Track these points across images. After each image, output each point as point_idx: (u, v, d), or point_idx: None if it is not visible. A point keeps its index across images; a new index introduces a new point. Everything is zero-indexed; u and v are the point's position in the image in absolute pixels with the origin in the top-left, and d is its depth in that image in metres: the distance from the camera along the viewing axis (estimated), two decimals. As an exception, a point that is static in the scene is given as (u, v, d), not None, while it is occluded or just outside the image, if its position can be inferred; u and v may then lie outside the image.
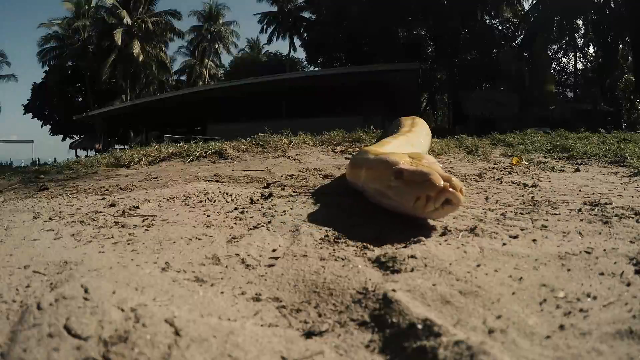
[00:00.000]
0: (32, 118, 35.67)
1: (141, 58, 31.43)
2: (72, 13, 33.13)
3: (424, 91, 28.36)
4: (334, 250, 1.14)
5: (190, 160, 3.67)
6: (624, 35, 22.33)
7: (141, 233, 1.38)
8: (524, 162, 3.03)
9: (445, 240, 1.17)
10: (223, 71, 41.60)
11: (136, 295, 0.82)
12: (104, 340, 0.65)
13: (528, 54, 22.93)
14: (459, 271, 0.94)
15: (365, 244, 1.19)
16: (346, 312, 0.80)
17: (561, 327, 0.73)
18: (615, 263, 1.00)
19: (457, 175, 2.52)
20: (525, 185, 2.16)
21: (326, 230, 1.35)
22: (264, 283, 0.94)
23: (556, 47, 27.00)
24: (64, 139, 37.07)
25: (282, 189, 2.12)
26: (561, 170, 2.71)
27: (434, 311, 0.77)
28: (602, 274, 0.95)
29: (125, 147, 17.32)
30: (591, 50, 26.74)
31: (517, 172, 2.61)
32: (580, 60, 27.08)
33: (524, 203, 1.71)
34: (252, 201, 1.84)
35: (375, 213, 1.49)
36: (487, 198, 1.85)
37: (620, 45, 24.40)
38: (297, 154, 3.64)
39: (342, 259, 1.05)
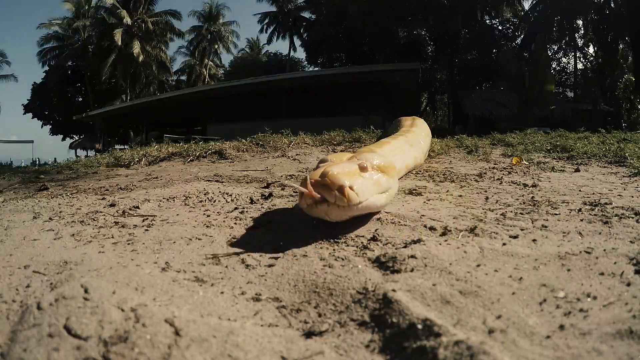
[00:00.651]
0: (32, 118, 35.71)
1: (141, 58, 31.43)
2: (72, 13, 33.13)
3: (424, 91, 28.38)
4: (334, 250, 1.14)
5: (190, 160, 3.67)
6: (624, 35, 22.33)
7: (141, 233, 1.38)
8: (524, 162, 3.03)
9: (445, 240, 1.17)
10: (223, 71, 41.61)
11: (136, 295, 0.82)
12: (104, 340, 0.65)
13: (528, 54, 22.93)
14: (459, 271, 0.94)
15: (365, 243, 1.19)
16: (346, 312, 0.80)
17: (561, 327, 0.73)
18: (615, 263, 1.00)
19: (457, 175, 2.52)
20: (525, 185, 2.16)
21: (326, 230, 1.35)
22: (264, 283, 0.94)
23: (556, 47, 27.02)
24: (64, 139, 37.09)
25: (282, 189, 2.12)
26: (561, 170, 2.71)
27: (434, 311, 0.77)
28: (602, 274, 0.95)
29: (125, 147, 17.34)
30: (591, 50, 26.78)
31: (517, 172, 2.61)
32: (580, 60, 27.10)
33: (524, 203, 1.71)
34: (252, 201, 1.84)
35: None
36: (487, 198, 1.85)
37: (620, 45, 24.41)
38: (297, 154, 3.65)
39: (342, 259, 1.05)
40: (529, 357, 0.64)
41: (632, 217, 1.44)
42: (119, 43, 30.16)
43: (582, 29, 25.47)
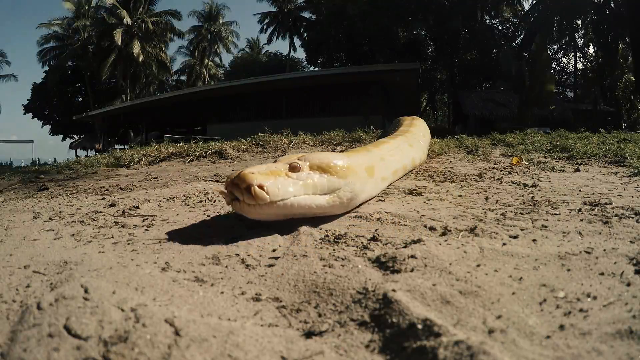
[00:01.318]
0: (32, 118, 35.72)
1: (141, 58, 31.43)
2: (72, 13, 33.14)
3: (424, 91, 28.37)
4: (334, 250, 1.14)
5: (190, 160, 3.67)
6: (624, 35, 22.33)
7: (141, 233, 1.38)
8: (524, 162, 3.03)
9: (445, 240, 1.17)
10: (223, 71, 41.62)
11: (136, 295, 0.82)
12: (104, 340, 0.65)
13: (528, 54, 22.92)
14: (459, 271, 0.94)
15: (365, 243, 1.19)
16: (346, 312, 0.80)
17: (561, 327, 0.73)
18: (615, 263, 1.00)
19: (457, 175, 2.51)
20: (525, 185, 2.16)
21: (326, 230, 1.35)
22: (264, 283, 0.94)
23: (556, 47, 27.03)
24: (64, 139, 37.10)
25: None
26: (561, 170, 2.71)
27: (434, 311, 0.77)
28: (602, 274, 0.95)
29: (125, 147, 17.34)
30: (591, 50, 26.78)
31: (517, 172, 2.61)
32: (580, 60, 27.11)
33: (524, 203, 1.71)
34: (252, 201, 1.83)
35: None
36: (487, 198, 1.85)
37: (620, 45, 24.41)
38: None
39: (342, 259, 1.05)
40: (529, 357, 0.64)
41: (632, 217, 1.44)
42: (119, 43, 30.16)
43: (582, 29, 25.47)
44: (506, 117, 17.16)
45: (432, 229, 1.35)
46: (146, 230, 1.42)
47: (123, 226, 1.48)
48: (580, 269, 0.98)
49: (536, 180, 2.30)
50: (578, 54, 26.67)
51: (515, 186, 2.15)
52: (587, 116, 18.41)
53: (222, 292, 0.89)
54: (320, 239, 1.25)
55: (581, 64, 27.33)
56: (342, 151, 3.82)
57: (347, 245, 1.19)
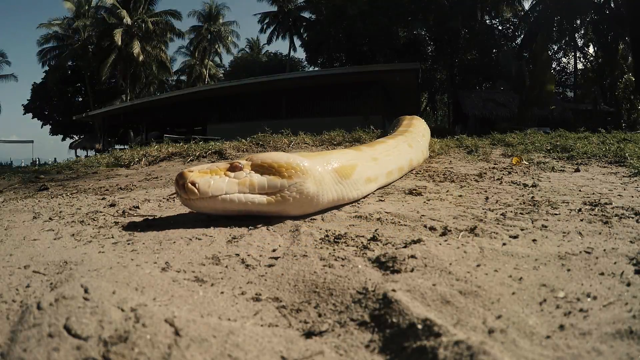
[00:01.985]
0: (32, 118, 35.74)
1: (141, 58, 31.43)
2: (72, 13, 33.14)
3: (424, 91, 28.38)
4: (334, 250, 1.14)
5: (191, 160, 3.67)
6: (624, 35, 22.33)
7: (141, 233, 1.38)
8: (524, 162, 3.03)
9: (445, 240, 1.17)
10: (223, 71, 41.62)
11: (136, 295, 0.82)
12: (104, 340, 0.65)
13: (528, 54, 22.92)
14: (459, 271, 0.94)
15: (365, 243, 1.19)
16: (346, 312, 0.80)
17: (561, 327, 0.73)
18: (615, 263, 1.00)
19: (457, 175, 2.52)
20: (525, 185, 2.16)
21: (326, 230, 1.35)
22: (264, 283, 0.94)
23: (556, 47, 27.03)
24: (64, 139, 37.10)
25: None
26: (561, 170, 2.71)
27: (434, 311, 0.77)
28: (602, 274, 0.95)
29: (125, 147, 17.34)
30: (591, 50, 26.78)
31: (517, 172, 2.61)
32: (580, 60, 27.12)
33: (524, 203, 1.71)
34: (252, 201, 1.83)
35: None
36: (487, 198, 1.85)
37: (620, 45, 24.41)
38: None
39: (342, 259, 1.05)
40: (529, 357, 0.64)
41: (632, 217, 1.44)
42: (119, 43, 30.16)
43: (582, 29, 25.47)
44: (506, 117, 17.18)
45: (432, 229, 1.35)
46: (146, 230, 1.42)
47: (123, 226, 1.48)
48: (580, 269, 0.98)
49: (536, 180, 2.30)
50: (578, 54, 26.68)
51: (515, 186, 2.15)
52: (587, 116, 18.44)
53: (222, 292, 0.89)
54: (320, 239, 1.25)
55: (581, 64, 27.36)
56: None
57: (347, 245, 1.19)
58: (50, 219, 1.66)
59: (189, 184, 1.38)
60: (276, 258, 1.09)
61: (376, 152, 2.08)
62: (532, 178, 2.37)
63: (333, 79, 15.81)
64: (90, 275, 0.94)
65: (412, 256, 1.01)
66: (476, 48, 25.96)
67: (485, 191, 2.02)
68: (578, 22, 25.08)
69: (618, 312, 0.77)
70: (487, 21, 27.40)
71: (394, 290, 0.82)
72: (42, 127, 36.34)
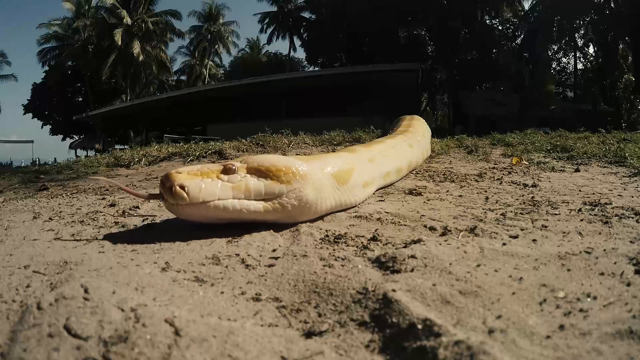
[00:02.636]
0: (32, 118, 35.73)
1: (141, 58, 31.44)
2: (72, 13, 33.16)
3: (424, 91, 28.36)
4: (334, 250, 1.14)
5: (191, 161, 3.67)
6: (624, 35, 22.34)
7: (141, 233, 1.38)
8: (524, 162, 3.03)
9: (445, 240, 1.17)
10: (223, 71, 41.60)
11: (136, 295, 0.82)
12: (104, 340, 0.65)
13: (528, 54, 22.93)
14: (459, 271, 0.94)
15: (365, 243, 1.19)
16: (346, 312, 0.80)
17: (561, 327, 0.73)
18: (615, 263, 1.00)
19: (457, 175, 2.52)
20: (525, 185, 2.16)
21: (326, 230, 1.35)
22: (264, 283, 0.94)
23: (556, 47, 27.02)
24: (64, 139, 37.09)
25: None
26: (561, 170, 2.71)
27: (434, 311, 0.77)
28: (602, 274, 0.95)
29: (125, 147, 17.34)
30: (591, 50, 26.77)
31: (517, 172, 2.61)
32: (580, 60, 27.11)
33: (524, 203, 1.71)
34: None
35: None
36: (487, 198, 1.85)
37: (620, 45, 24.41)
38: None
39: (342, 259, 1.05)
40: (529, 357, 0.64)
41: (632, 217, 1.44)
42: (119, 43, 30.17)
43: (582, 29, 25.47)
44: (506, 117, 17.17)
45: (432, 229, 1.35)
46: (146, 230, 1.42)
47: (123, 226, 1.48)
48: (580, 269, 0.98)
49: (536, 180, 2.30)
50: (578, 54, 26.67)
51: (515, 186, 2.15)
52: (587, 116, 18.42)
53: (222, 292, 0.89)
54: (320, 239, 1.25)
55: (581, 64, 27.35)
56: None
57: (347, 245, 1.19)
58: (50, 219, 1.66)
59: (177, 187, 1.20)
60: (276, 258, 1.09)
61: (372, 152, 2.01)
62: (532, 178, 2.37)
63: (333, 79, 15.84)
64: (90, 275, 0.94)
65: (412, 256, 1.01)
66: (476, 48, 25.94)
67: (485, 191, 2.02)
68: (578, 22, 25.08)
69: (618, 312, 0.77)
70: (487, 21, 27.39)
71: (394, 290, 0.82)
72: (42, 127, 36.38)
